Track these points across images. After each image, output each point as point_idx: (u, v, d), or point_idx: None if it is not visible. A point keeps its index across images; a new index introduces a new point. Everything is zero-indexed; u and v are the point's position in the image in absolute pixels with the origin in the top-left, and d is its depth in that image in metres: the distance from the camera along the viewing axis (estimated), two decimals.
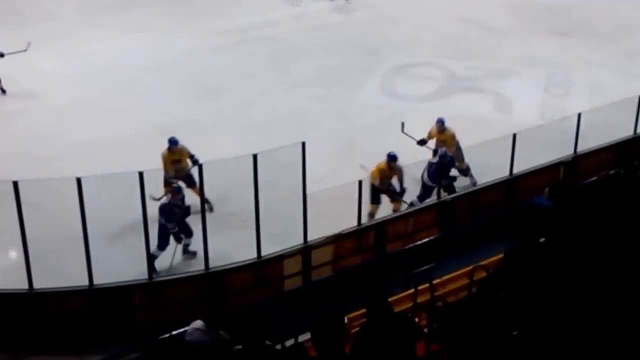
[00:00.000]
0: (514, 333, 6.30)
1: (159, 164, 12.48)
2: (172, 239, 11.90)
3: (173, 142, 13.26)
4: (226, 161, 11.62)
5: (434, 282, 9.08)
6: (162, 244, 11.85)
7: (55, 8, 21.61)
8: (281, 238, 12.01)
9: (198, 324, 8.84)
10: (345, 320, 8.42)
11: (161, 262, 11.87)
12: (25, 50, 16.36)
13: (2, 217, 11.02)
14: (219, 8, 22.09)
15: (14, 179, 10.43)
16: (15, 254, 11.66)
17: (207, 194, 11.54)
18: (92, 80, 17.80)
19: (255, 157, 11.10)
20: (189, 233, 11.99)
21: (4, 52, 16.29)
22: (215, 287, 11.48)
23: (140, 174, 10.57)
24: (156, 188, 11.31)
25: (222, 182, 12.22)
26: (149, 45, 19.60)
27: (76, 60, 18.60)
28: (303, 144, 11.33)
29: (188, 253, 12.21)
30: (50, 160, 14.53)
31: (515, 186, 13.41)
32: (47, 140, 15.54)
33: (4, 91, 16.62)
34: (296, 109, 16.73)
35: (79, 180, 10.46)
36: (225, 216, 12.52)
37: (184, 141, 14.60)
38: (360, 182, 11.90)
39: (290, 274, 12.00)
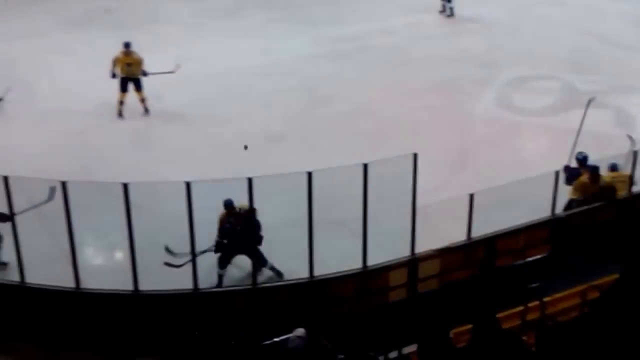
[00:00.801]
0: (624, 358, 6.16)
1: (268, 171, 12.70)
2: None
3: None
4: (335, 170, 11.71)
5: (545, 300, 8.92)
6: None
7: (170, 12, 22.35)
8: (388, 249, 12.01)
9: (300, 331, 8.95)
10: (451, 335, 8.42)
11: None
12: (172, 72, 16.71)
13: (111, 219, 11.38)
14: (335, 15, 22.38)
15: (124, 181, 10.79)
16: (121, 255, 12.04)
17: (315, 201, 11.64)
18: (204, 85, 18.27)
19: (365, 166, 11.16)
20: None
21: (149, 71, 16.68)
22: (319, 295, 11.59)
23: (249, 180, 10.77)
24: (265, 195, 11.46)
25: (330, 190, 12.31)
26: (263, 51, 20.00)
27: (188, 65, 19.08)
28: (415, 155, 11.33)
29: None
30: (159, 163, 15.00)
31: (633, 205, 13.02)
32: (156, 143, 16.05)
33: (147, 110, 16.97)
34: (408, 120, 16.72)
35: (188, 185, 10.74)
36: (332, 225, 12.59)
37: (293, 149, 14.91)
38: (471, 196, 11.81)
39: (396, 286, 11.99)
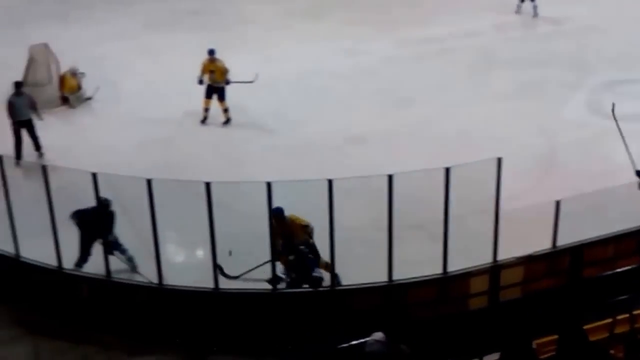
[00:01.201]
0: None
1: (348, 173, 12.62)
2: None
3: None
4: (416, 173, 11.58)
5: (634, 313, 8.63)
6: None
7: (254, 12, 22.51)
8: (469, 255, 11.82)
9: (379, 335, 8.87)
10: (534, 346, 8.21)
11: None
12: (252, 82, 16.77)
13: (195, 217, 11.48)
14: (418, 17, 22.22)
15: (207, 179, 10.87)
16: (202, 252, 12.13)
17: (395, 204, 11.51)
18: (286, 86, 18.34)
19: (447, 170, 11.01)
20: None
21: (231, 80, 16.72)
22: (398, 299, 11.48)
23: (329, 182, 10.73)
24: (345, 197, 11.39)
25: (411, 193, 12.19)
26: (345, 53, 19.97)
27: (271, 66, 19.22)
28: (499, 160, 11.12)
29: None
30: (241, 163, 15.09)
31: None
32: (238, 143, 16.15)
33: (228, 120, 16.89)
34: (493, 123, 16.44)
35: (269, 185, 10.76)
36: (411, 229, 12.47)
37: (374, 151, 14.82)
38: (558, 202, 11.53)
39: (477, 293, 11.80)
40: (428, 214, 12.22)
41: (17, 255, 12.13)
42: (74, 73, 17.65)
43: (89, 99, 17.81)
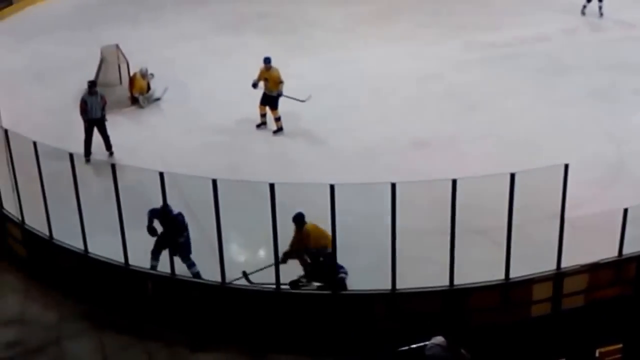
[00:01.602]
0: None
1: (412, 176, 12.58)
2: None
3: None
4: (480, 178, 11.51)
5: None
6: None
7: (321, 15, 22.60)
8: (532, 262, 11.70)
9: (439, 339, 8.85)
10: (597, 354, 8.10)
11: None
12: (303, 101, 16.75)
13: (257, 218, 11.59)
14: (487, 21, 22.07)
15: (270, 181, 10.97)
16: (264, 253, 12.22)
17: (458, 209, 11.44)
18: (352, 89, 18.38)
19: (512, 176, 10.92)
20: None
21: (285, 94, 16.67)
22: (459, 304, 11.42)
23: (393, 185, 10.73)
24: (408, 201, 11.36)
25: (474, 198, 12.11)
26: (412, 56, 19.94)
27: (337, 69, 19.31)
28: (566, 166, 10.99)
29: None
30: (305, 165, 15.17)
31: None
32: (302, 144, 16.24)
33: (280, 129, 16.81)
34: (560, 129, 16.23)
35: (332, 187, 10.81)
36: (474, 234, 12.39)
37: (439, 155, 14.78)
38: (625, 210, 11.34)
39: (539, 300, 11.67)
40: (491, 219, 12.14)
41: (86, 251, 12.41)
42: (143, 74, 17.95)
43: (158, 99, 18.11)
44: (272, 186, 10.90)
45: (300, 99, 16.73)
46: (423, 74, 18.97)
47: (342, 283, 11.61)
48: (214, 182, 11.03)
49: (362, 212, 12.41)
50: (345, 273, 11.61)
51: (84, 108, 15.56)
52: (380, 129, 16.55)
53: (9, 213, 13.49)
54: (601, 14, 21.97)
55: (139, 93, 17.92)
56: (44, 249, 12.98)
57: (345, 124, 16.85)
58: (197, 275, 12.27)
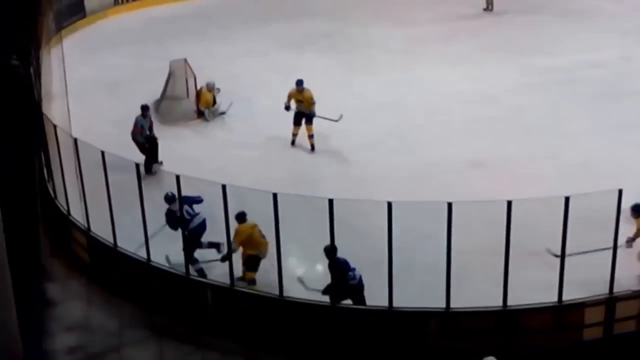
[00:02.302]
0: None
1: (467, 197, 12.54)
2: None
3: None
4: (535, 200, 11.43)
5: None
6: None
7: (383, 36, 22.66)
8: (585, 285, 11.56)
9: (491, 359, 8.79)
10: None
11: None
12: (336, 121, 16.74)
13: (317, 232, 11.66)
14: (544, 46, 21.97)
15: (330, 196, 11.06)
16: (321, 267, 12.32)
17: (513, 230, 11.36)
18: (410, 109, 18.39)
19: (567, 199, 10.82)
20: None
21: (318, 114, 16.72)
22: (511, 325, 11.33)
23: (449, 205, 10.72)
24: (463, 220, 11.34)
25: (529, 220, 12.02)
26: (471, 78, 19.89)
27: (397, 88, 19.34)
28: (620, 191, 10.88)
29: None
30: (363, 182, 15.18)
31: None
32: (360, 162, 16.25)
33: (313, 148, 16.85)
34: (616, 155, 15.98)
35: (389, 204, 10.83)
36: (528, 255, 12.28)
37: (494, 176, 14.70)
38: None
39: (591, 324, 11.52)
40: (545, 241, 12.05)
41: (148, 259, 12.60)
42: (210, 88, 18.17)
43: (223, 113, 18.32)
44: (330, 202, 10.98)
45: (334, 118, 16.76)
46: (481, 96, 18.89)
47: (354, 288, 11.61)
48: (275, 195, 11.14)
49: (418, 230, 12.38)
50: (354, 277, 11.53)
51: (140, 131, 15.94)
52: (438, 149, 16.52)
53: (76, 220, 13.76)
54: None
55: (205, 106, 18.15)
56: (107, 256, 13.22)
57: (404, 143, 16.86)
58: (201, 271, 12.46)
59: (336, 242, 11.25)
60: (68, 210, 13.99)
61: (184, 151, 16.38)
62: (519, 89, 19.26)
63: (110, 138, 15.93)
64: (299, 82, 16.73)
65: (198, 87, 18.35)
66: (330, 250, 11.45)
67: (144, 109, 16.28)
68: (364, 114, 18.05)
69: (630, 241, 11.92)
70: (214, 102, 18.34)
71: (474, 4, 25.49)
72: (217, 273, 12.36)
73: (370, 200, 11.87)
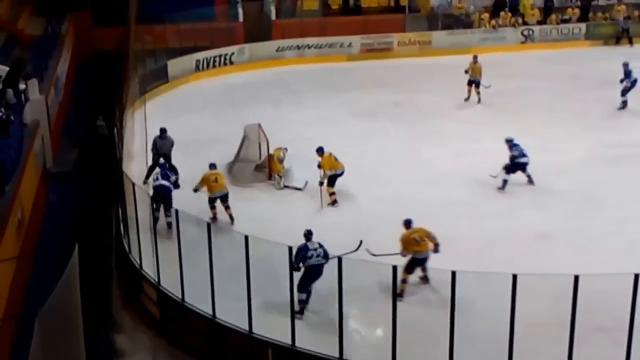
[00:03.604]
0: None
1: (534, 269, 12.15)
2: None
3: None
4: (603, 276, 11.01)
5: None
6: None
7: (452, 108, 22.54)
8: None
9: None
10: None
11: None
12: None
13: (378, 297, 11.42)
14: (615, 122, 21.71)
15: (394, 263, 10.85)
16: (381, 331, 11.98)
17: (579, 305, 10.92)
18: (478, 179, 18.07)
19: (636, 277, 10.38)
20: None
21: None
22: None
23: (514, 276, 10.39)
24: (529, 293, 10.97)
25: (597, 295, 11.56)
26: (540, 150, 19.45)
27: (465, 158, 19.16)
28: None
29: None
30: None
31: None
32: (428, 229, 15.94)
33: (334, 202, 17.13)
34: None
35: (453, 273, 10.55)
36: (595, 331, 11.77)
37: (562, 250, 14.30)
38: None
39: None
40: (613, 318, 11.54)
41: (214, 315, 12.52)
42: (280, 160, 18.20)
43: (299, 189, 17.97)
44: (394, 268, 10.76)
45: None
46: (549, 168, 18.49)
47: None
48: (339, 259, 10.98)
49: (482, 301, 12.01)
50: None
51: (154, 146, 18.08)
52: (505, 219, 16.16)
53: (147, 274, 13.81)
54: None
55: (277, 173, 18.15)
56: (175, 310, 13.17)
57: (471, 213, 16.53)
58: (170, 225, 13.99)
59: (399, 309, 10.95)
60: (140, 265, 14.06)
61: (255, 212, 16.38)
62: (588, 163, 18.88)
63: (185, 196, 16.05)
64: (320, 150, 17.26)
65: (271, 151, 18.39)
66: None
67: (162, 131, 18.23)
68: (432, 181, 17.85)
69: None
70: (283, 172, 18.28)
71: (547, 77, 25.29)
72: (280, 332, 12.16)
73: (435, 268, 11.60)
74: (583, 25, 31.75)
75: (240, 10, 30.14)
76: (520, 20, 31.53)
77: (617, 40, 31.44)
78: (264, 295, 12.54)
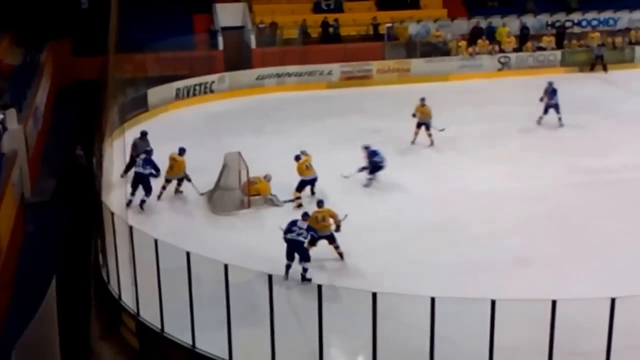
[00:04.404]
0: None
1: (512, 294, 12.18)
2: None
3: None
4: (580, 300, 11.05)
5: None
6: None
7: (435, 136, 22.62)
8: None
9: None
10: None
11: None
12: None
13: (360, 324, 11.39)
14: (591, 147, 21.87)
15: (373, 290, 10.82)
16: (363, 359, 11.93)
17: (557, 330, 10.94)
18: (456, 204, 18.17)
19: (613, 301, 10.42)
20: None
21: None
22: None
23: (492, 302, 10.40)
24: (507, 318, 10.98)
25: (574, 320, 11.60)
26: (517, 176, 19.73)
27: (443, 184, 19.22)
28: None
29: None
30: (407, 276, 14.82)
31: None
32: (405, 256, 15.85)
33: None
34: None
35: (432, 300, 10.55)
36: (573, 355, 11.79)
37: (540, 274, 14.34)
38: None
39: None
40: (591, 342, 11.55)
41: (193, 346, 12.42)
42: (268, 179, 18.48)
43: (278, 206, 18.18)
44: (374, 295, 10.75)
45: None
46: (527, 194, 18.63)
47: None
48: (319, 287, 10.95)
49: (461, 327, 11.99)
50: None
51: (133, 147, 19.65)
52: (483, 245, 16.17)
53: (126, 304, 13.70)
54: (561, 125, 23.55)
55: (267, 194, 18.38)
56: (155, 341, 13.05)
57: (448, 238, 16.56)
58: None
59: (380, 335, 10.93)
60: (119, 295, 13.95)
61: (234, 241, 16.32)
62: (565, 188, 18.98)
63: (164, 225, 15.99)
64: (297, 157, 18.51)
65: (251, 179, 18.38)
66: None
67: (142, 134, 19.97)
68: (411, 207, 17.89)
69: None
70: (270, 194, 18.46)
71: (523, 104, 25.51)
72: None
73: (414, 295, 11.58)
74: (558, 53, 32.21)
75: (220, 39, 30.29)
76: (497, 47, 31.89)
77: (592, 67, 31.92)
78: (245, 325, 12.45)
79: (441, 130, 21.92)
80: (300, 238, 14.57)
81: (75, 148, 20.17)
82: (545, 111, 23.94)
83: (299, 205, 17.80)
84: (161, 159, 19.61)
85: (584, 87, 28.06)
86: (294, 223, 14.69)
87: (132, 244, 13.17)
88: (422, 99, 22.21)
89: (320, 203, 15.83)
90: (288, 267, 14.56)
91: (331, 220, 15.39)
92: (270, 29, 31.02)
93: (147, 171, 18.10)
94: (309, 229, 14.70)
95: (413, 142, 22.33)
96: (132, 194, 17.97)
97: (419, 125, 22.16)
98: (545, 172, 20.00)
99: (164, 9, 29.42)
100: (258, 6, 31.85)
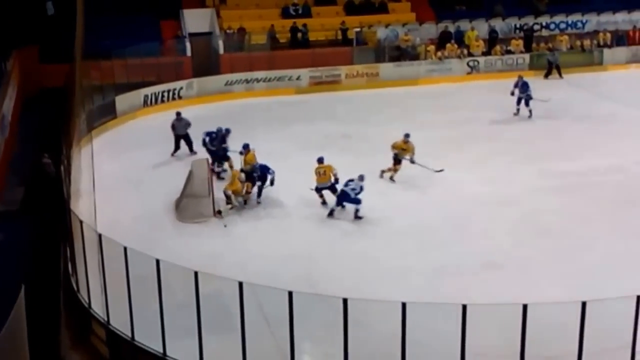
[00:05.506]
0: None
1: (483, 299, 12.29)
2: None
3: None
4: (551, 305, 11.17)
5: None
6: None
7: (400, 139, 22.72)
8: None
9: None
10: None
11: None
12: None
13: (332, 330, 11.42)
14: (561, 150, 22.05)
15: (344, 296, 10.85)
16: None
17: (528, 334, 11.06)
18: (426, 210, 18.30)
19: (584, 304, 10.55)
20: None
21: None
22: None
23: (464, 307, 10.49)
24: (478, 322, 11.07)
25: (545, 324, 11.72)
26: (487, 181, 19.84)
27: (414, 190, 19.31)
28: (638, 297, 10.60)
29: None
30: (377, 282, 14.92)
31: None
32: (376, 262, 16.00)
33: None
34: (632, 260, 15.67)
35: (404, 305, 10.60)
36: (546, 359, 11.92)
37: (511, 279, 14.45)
38: None
39: None
40: (562, 346, 11.69)
41: (164, 353, 12.37)
42: (242, 180, 18.47)
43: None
44: (345, 301, 10.78)
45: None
46: (497, 198, 18.78)
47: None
48: (290, 294, 10.97)
49: (433, 332, 12.07)
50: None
51: (173, 128, 21.94)
52: (454, 250, 16.28)
53: (96, 313, 13.62)
54: (530, 116, 24.87)
55: (233, 192, 18.19)
56: (125, 349, 12.98)
57: (419, 244, 16.64)
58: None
59: (350, 342, 10.97)
60: (89, 304, 13.86)
61: (202, 248, 16.30)
62: (535, 193, 19.12)
63: (133, 233, 15.90)
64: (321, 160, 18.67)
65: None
66: None
67: (178, 114, 22.29)
68: (381, 213, 17.96)
69: None
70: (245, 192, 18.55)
71: (492, 107, 25.75)
72: None
73: (385, 300, 11.64)
74: (527, 56, 32.50)
75: (188, 45, 30.20)
76: (465, 51, 32.14)
77: (547, 75, 31.88)
78: (216, 332, 12.43)
79: (439, 171, 19.98)
80: (349, 191, 17.63)
81: (42, 156, 20.01)
82: (518, 102, 25.06)
83: (247, 192, 18.70)
84: (131, 166, 19.62)
85: (553, 90, 28.34)
86: (350, 180, 17.68)
87: (101, 252, 13.10)
88: (407, 135, 20.07)
89: (320, 160, 18.44)
90: (332, 210, 17.78)
91: (331, 174, 18.13)
92: (238, 35, 31.00)
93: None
94: (361, 188, 17.53)
95: (382, 177, 20.26)
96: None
97: (398, 162, 20.03)
98: (515, 176, 20.18)
99: (131, 15, 29.27)
100: (226, 12, 31.81)
